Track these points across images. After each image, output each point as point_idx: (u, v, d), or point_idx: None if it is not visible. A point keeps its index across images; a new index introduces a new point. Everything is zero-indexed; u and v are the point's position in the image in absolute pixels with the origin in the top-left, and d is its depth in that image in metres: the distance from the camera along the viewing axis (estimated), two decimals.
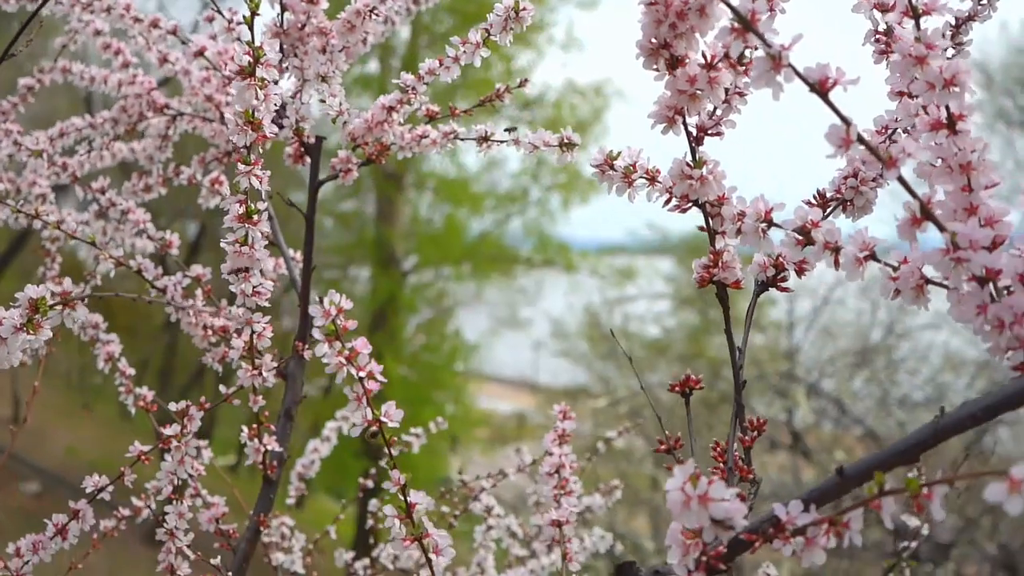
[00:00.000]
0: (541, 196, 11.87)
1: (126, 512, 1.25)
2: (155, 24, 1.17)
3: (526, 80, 1.10)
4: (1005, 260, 0.59)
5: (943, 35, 0.80)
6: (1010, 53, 9.60)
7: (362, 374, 0.69)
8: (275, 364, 1.01)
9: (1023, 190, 9.28)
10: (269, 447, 1.07)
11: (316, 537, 1.49)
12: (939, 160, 0.62)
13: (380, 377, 0.70)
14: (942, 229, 0.57)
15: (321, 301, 0.69)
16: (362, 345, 0.70)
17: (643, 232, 10.67)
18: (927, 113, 0.61)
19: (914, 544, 1.22)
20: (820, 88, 0.56)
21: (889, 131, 0.77)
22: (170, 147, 1.31)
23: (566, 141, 0.94)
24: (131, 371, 1.19)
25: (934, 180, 0.61)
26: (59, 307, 0.75)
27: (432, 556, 0.72)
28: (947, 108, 0.60)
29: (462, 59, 0.98)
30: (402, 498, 0.72)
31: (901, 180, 0.57)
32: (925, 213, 0.58)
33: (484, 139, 1.04)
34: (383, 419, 0.70)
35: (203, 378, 9.35)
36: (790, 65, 0.56)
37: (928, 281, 0.61)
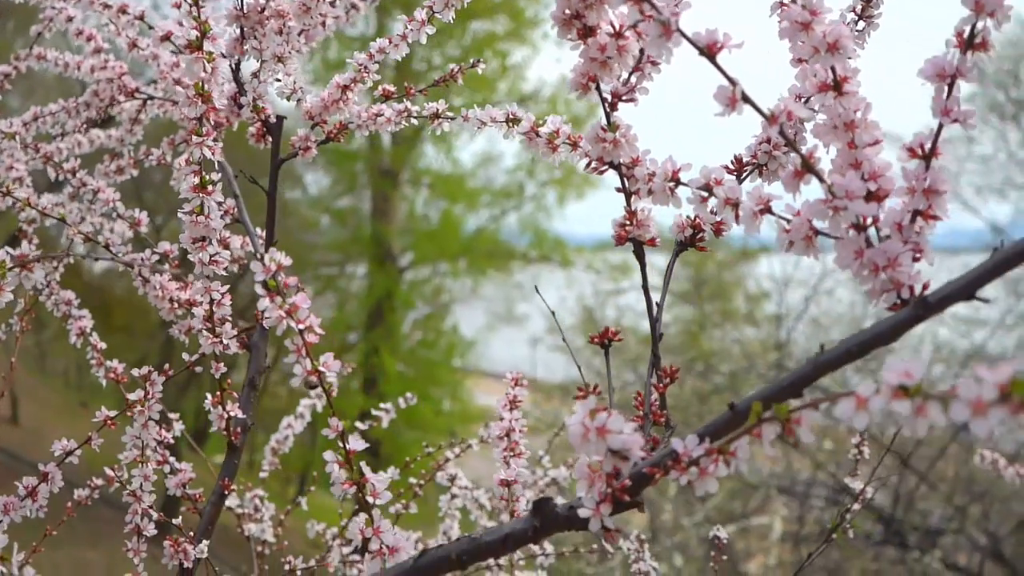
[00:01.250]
0: (537, 192, 11.92)
1: (99, 482, 1.29)
2: (123, 10, 1.22)
3: (479, 60, 1.15)
4: (886, 211, 0.64)
5: (852, 8, 0.85)
6: (1002, 46, 9.61)
7: (302, 326, 0.74)
8: (235, 332, 1.05)
9: (1015, 183, 9.32)
10: (232, 414, 1.11)
11: (287, 508, 1.54)
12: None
13: (319, 330, 0.75)
14: (822, 181, 0.62)
15: (262, 259, 0.73)
16: (301, 300, 0.75)
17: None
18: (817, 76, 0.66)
19: (857, 507, 1.27)
20: (708, 52, 0.61)
21: (803, 99, 0.82)
22: (141, 130, 1.36)
23: (511, 117, 0.99)
24: (102, 345, 1.24)
25: (823, 138, 0.66)
26: (16, 269, 0.79)
27: (370, 499, 0.77)
28: (832, 70, 0.65)
29: (409, 36, 1.03)
30: (341, 445, 0.77)
31: (782, 135, 0.61)
32: (806, 166, 0.62)
33: (436, 116, 1.09)
34: (321, 369, 0.75)
35: (201, 375, 9.42)
36: (679, 31, 0.60)
37: (817, 232, 0.65)
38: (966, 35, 0.62)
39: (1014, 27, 9.69)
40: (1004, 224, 9.05)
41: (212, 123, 0.87)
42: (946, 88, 0.62)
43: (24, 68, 1.45)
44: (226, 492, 1.13)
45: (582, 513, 0.65)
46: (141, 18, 1.23)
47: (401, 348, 11.43)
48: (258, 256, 0.74)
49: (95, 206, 1.29)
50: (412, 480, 1.50)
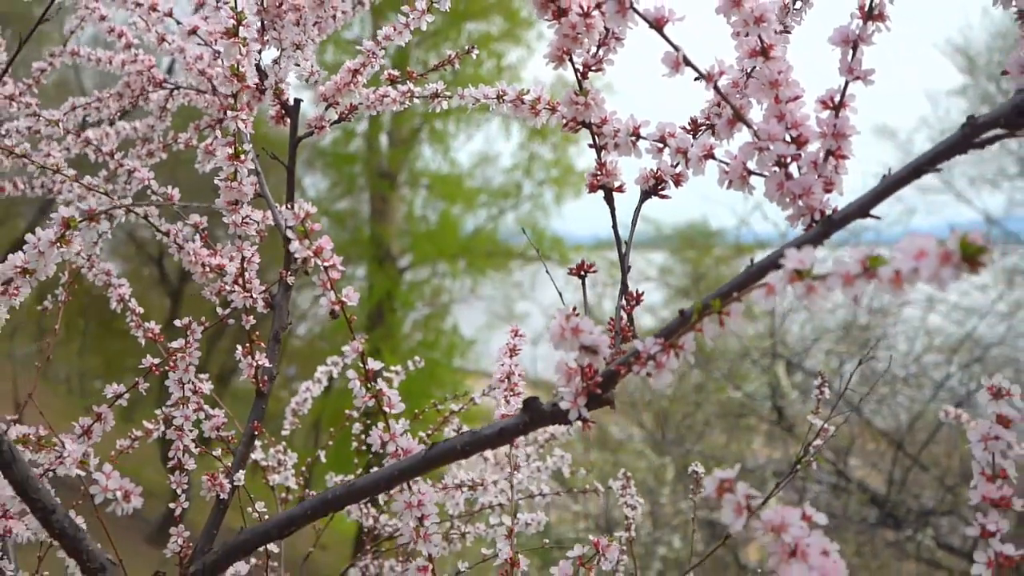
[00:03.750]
0: (534, 191, 12.08)
1: (138, 433, 1.44)
2: (153, 7, 1.36)
3: (473, 47, 1.29)
4: (805, 152, 0.78)
5: None
6: (993, 38, 9.76)
7: (327, 264, 0.88)
8: (263, 288, 1.20)
9: (1008, 173, 9.46)
10: (261, 363, 1.25)
11: (309, 460, 1.68)
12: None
13: (340, 267, 0.89)
14: (749, 127, 0.76)
15: (292, 207, 0.88)
16: (326, 242, 0.89)
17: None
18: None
19: (820, 442, 1.41)
20: (657, 24, 0.75)
21: (747, 70, 0.96)
22: (169, 117, 1.50)
23: (501, 94, 1.13)
24: (140, 309, 1.38)
25: (755, 95, 0.80)
26: (85, 222, 0.94)
27: (386, 410, 0.91)
28: (760, 39, 0.79)
29: (411, 24, 1.17)
30: (361, 365, 0.91)
31: (716, 90, 0.76)
32: (737, 116, 0.77)
33: (435, 95, 1.23)
34: (344, 299, 0.89)
35: (205, 372, 9.58)
36: (632, 8, 0.75)
37: (750, 172, 0.80)
38: (867, 8, 0.77)
39: (1005, 19, 9.83)
40: (998, 214, 9.17)
41: (245, 100, 1.01)
42: (850, 51, 0.77)
43: (59, 64, 1.59)
44: (256, 432, 1.27)
45: (563, 406, 0.79)
46: (170, 15, 1.38)
47: (402, 348, 11.54)
48: (288, 206, 0.88)
49: (130, 186, 1.43)
50: (421, 433, 1.64)
